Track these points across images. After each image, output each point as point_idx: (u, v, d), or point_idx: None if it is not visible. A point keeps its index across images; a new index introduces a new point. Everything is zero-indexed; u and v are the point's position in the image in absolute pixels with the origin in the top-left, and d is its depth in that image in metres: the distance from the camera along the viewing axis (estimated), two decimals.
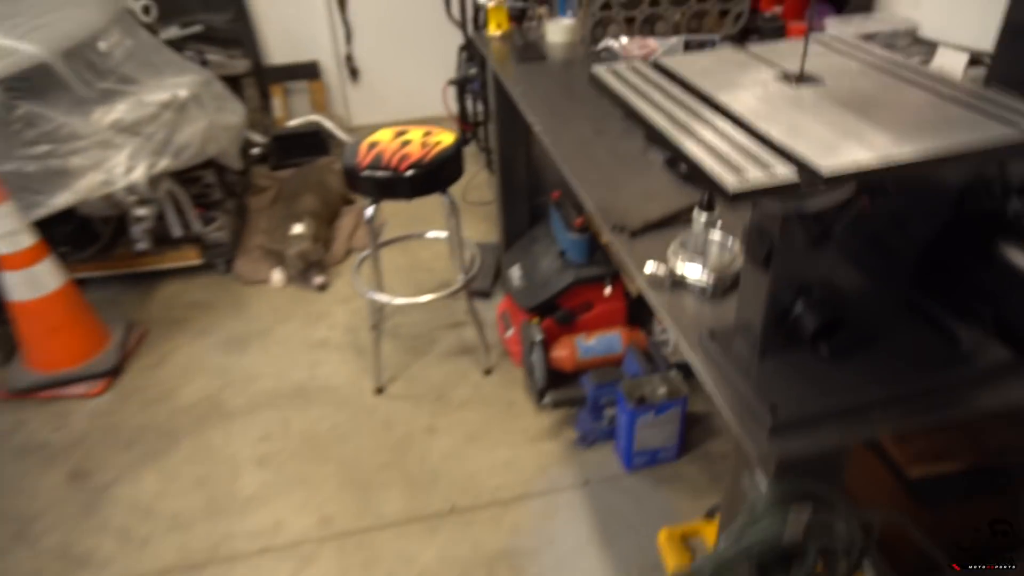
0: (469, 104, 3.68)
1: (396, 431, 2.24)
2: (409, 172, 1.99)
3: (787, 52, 0.84)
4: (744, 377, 0.83)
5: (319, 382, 2.46)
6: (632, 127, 1.00)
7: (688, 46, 1.61)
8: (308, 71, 4.20)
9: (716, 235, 1.06)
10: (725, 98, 0.74)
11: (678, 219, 1.17)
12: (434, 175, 2.03)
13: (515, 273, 2.50)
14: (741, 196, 0.56)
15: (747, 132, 0.66)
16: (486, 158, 3.66)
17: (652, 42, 1.69)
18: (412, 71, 4.29)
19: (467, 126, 3.74)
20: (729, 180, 0.57)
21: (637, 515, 1.94)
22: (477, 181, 3.65)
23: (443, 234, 2.51)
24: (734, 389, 0.84)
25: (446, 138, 2.13)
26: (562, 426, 2.23)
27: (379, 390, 2.40)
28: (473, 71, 3.42)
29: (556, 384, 2.24)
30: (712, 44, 1.61)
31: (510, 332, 2.53)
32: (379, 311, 2.40)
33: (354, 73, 4.31)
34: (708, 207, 1.03)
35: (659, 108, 0.73)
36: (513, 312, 2.51)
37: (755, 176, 0.58)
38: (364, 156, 2.05)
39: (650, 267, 1.02)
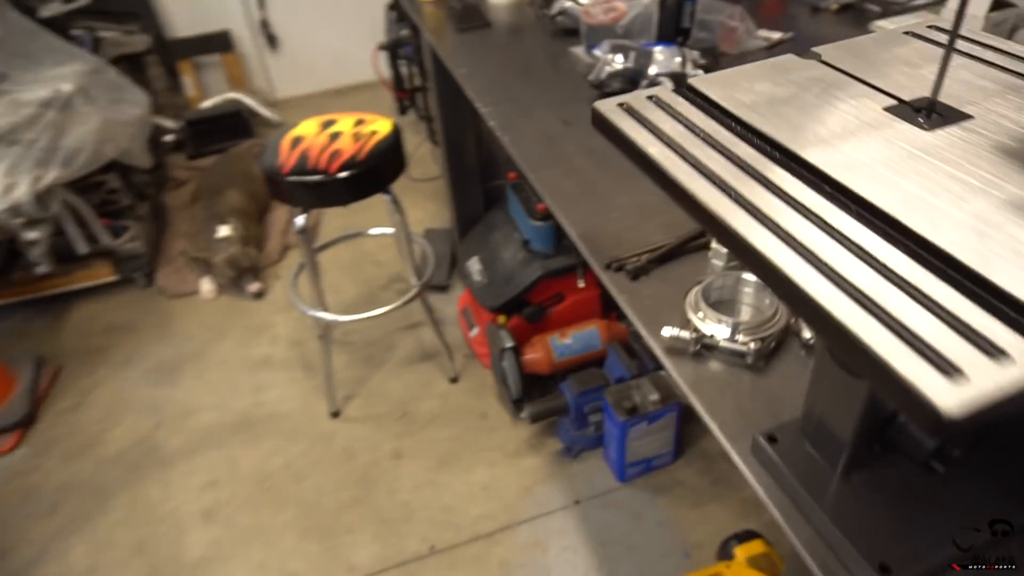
0: (404, 68, 3.33)
1: (359, 461, 2.00)
2: (343, 173, 1.69)
3: (876, 55, 0.58)
4: (823, 506, 0.61)
5: (266, 409, 2.19)
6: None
7: (664, 5, 1.34)
8: (219, 42, 3.75)
9: (749, 276, 0.83)
10: (831, 163, 0.47)
11: (690, 246, 0.93)
12: (373, 173, 1.74)
13: (474, 267, 2.24)
14: (964, 422, 0.31)
15: (900, 241, 0.40)
16: (428, 128, 3.34)
17: (619, 3, 1.41)
18: (337, 34, 3.88)
19: (403, 93, 3.40)
20: (943, 394, 0.31)
21: (637, 534, 1.75)
22: (420, 154, 3.34)
23: (389, 230, 2.23)
24: (811, 523, 0.61)
25: (382, 126, 1.83)
26: (543, 435, 2.02)
27: (335, 413, 2.14)
28: (405, 32, 3.06)
29: (532, 389, 2.02)
30: (692, 2, 1.34)
31: (475, 331, 2.29)
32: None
33: (272, 41, 3.87)
34: None
35: (732, 193, 0.46)
36: (475, 308, 2.26)
37: (986, 377, 0.32)
38: (287, 157, 1.74)
39: (668, 331, 0.78)
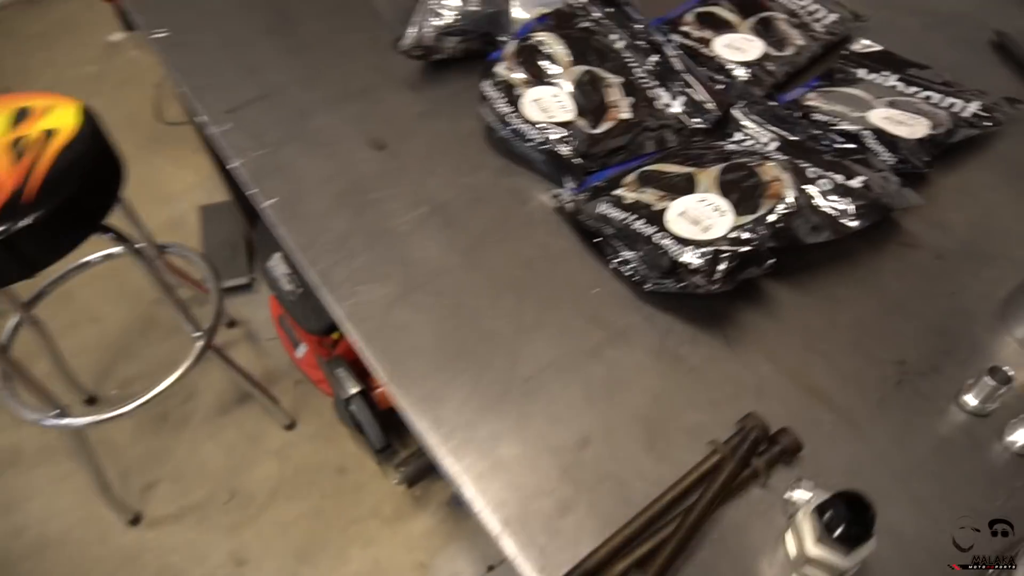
0: None
1: None
2: (18, 224, 0.98)
3: None
4: None
5: (29, 537, 1.53)
6: None
7: None
8: None
9: None
10: None
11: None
12: (65, 216, 1.03)
13: (279, 269, 1.61)
14: None
15: None
16: None
17: None
18: None
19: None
20: None
21: None
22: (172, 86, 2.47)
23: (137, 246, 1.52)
24: None
25: (63, 119, 1.10)
26: (426, 481, 1.55)
27: (134, 519, 1.53)
28: None
29: (398, 424, 1.52)
30: None
31: (301, 350, 1.70)
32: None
33: None
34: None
35: None
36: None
37: None
38: None
39: None
